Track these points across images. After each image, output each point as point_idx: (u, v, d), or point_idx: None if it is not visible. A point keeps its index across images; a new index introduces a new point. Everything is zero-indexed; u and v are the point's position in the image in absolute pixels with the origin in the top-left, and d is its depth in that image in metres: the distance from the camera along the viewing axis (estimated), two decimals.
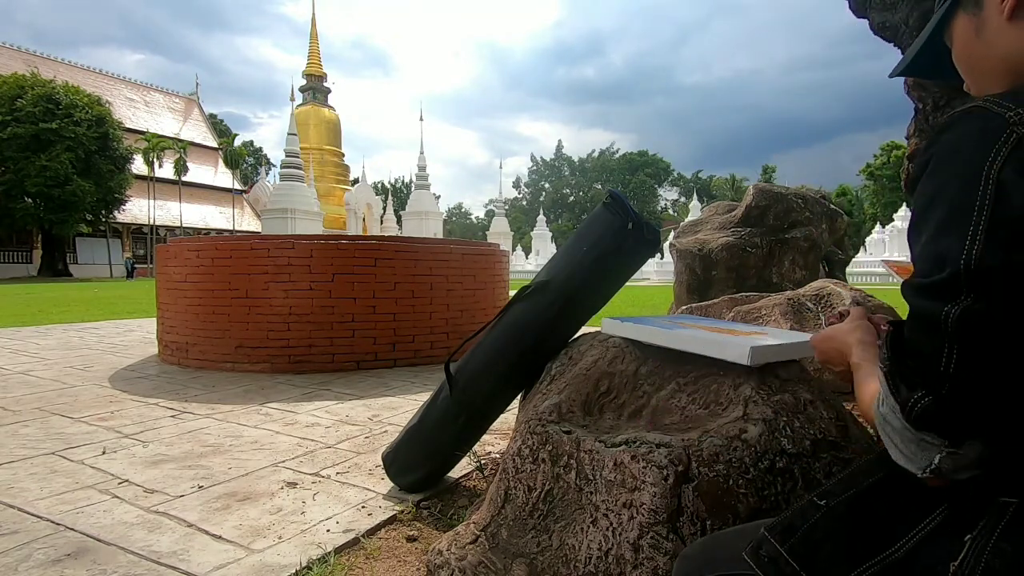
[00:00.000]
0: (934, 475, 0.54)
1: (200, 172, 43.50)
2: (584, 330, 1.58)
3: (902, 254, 29.37)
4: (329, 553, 1.46)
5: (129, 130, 36.47)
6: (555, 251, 1.82)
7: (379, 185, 54.75)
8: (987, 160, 0.49)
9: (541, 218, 42.43)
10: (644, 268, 1.58)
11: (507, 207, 49.94)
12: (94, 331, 6.41)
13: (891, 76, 0.79)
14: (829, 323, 0.84)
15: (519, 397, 1.66)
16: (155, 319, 4.92)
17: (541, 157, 76.42)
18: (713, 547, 0.75)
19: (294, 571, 1.38)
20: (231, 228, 41.07)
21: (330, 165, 41.15)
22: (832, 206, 4.64)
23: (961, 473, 0.54)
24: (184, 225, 38.39)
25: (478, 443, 1.94)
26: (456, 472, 1.97)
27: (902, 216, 31.34)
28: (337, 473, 2.03)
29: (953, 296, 0.50)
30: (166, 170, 37.86)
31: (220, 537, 1.54)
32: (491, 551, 1.25)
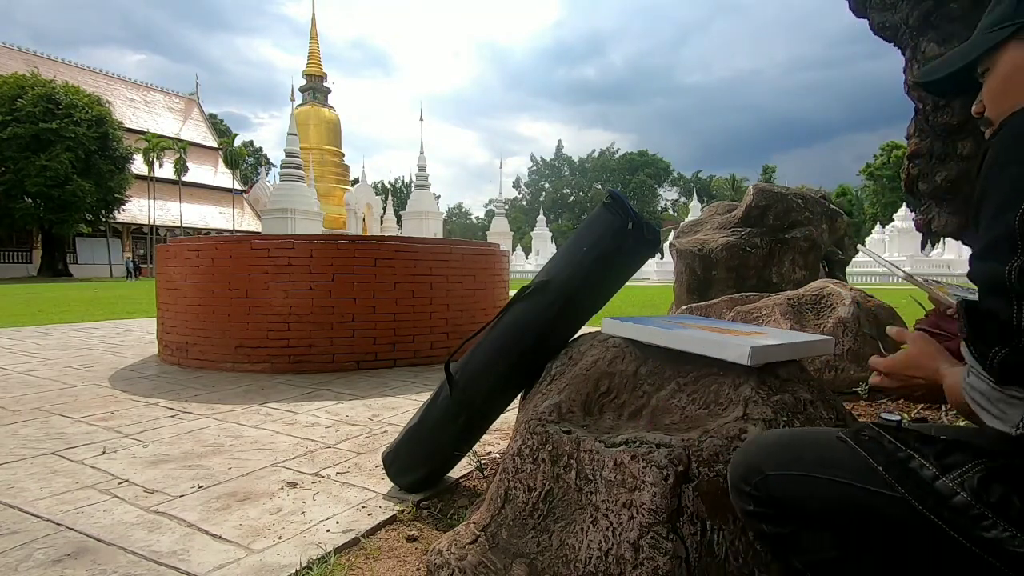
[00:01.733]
0: None
1: (200, 172, 43.49)
2: (584, 330, 1.58)
3: (902, 254, 29.36)
4: (329, 553, 1.46)
5: (129, 130, 36.45)
6: (555, 251, 1.82)
7: (379, 185, 54.75)
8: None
9: (541, 218, 42.43)
10: (644, 268, 1.58)
11: (507, 207, 49.92)
12: (94, 331, 6.41)
13: (918, 80, 0.82)
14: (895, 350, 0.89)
15: (519, 397, 1.66)
16: (155, 319, 4.92)
17: (541, 157, 76.48)
18: (767, 449, 0.77)
19: (294, 571, 1.38)
20: (231, 228, 41.06)
21: (330, 165, 41.15)
22: (832, 206, 4.64)
23: None
24: (184, 225, 38.39)
25: (478, 443, 1.94)
26: (456, 472, 1.97)
27: (902, 216, 31.33)
28: (337, 473, 2.03)
29: (1011, 254, 0.57)
30: (166, 170, 37.85)
31: (220, 537, 1.54)
32: (491, 551, 1.25)
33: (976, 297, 0.62)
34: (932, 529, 0.61)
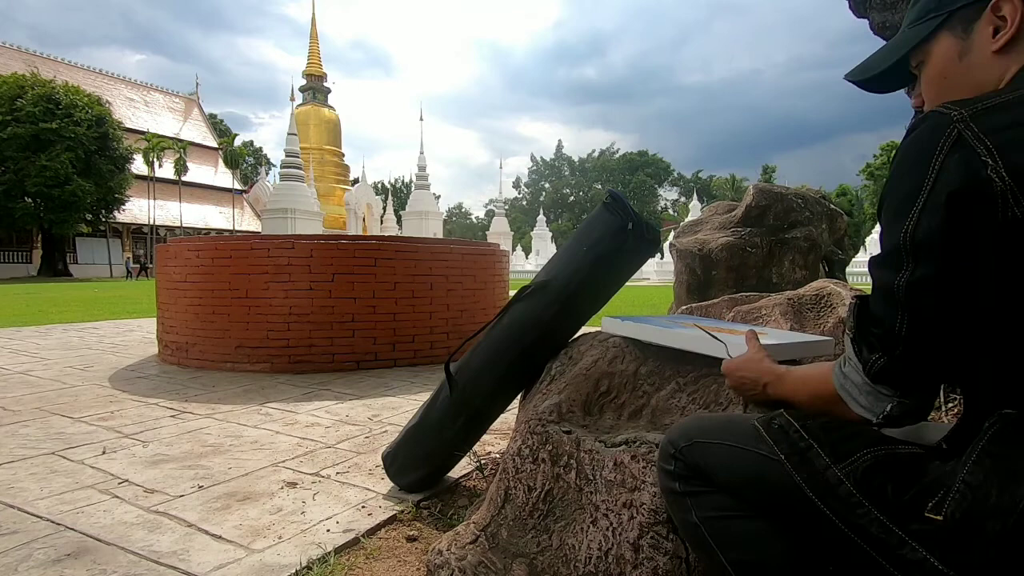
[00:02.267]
0: (886, 421, 0.66)
1: (200, 172, 43.49)
2: (584, 330, 1.58)
3: None
4: (329, 553, 1.46)
5: (129, 130, 36.44)
6: (555, 251, 1.82)
7: (379, 185, 54.74)
8: (934, 152, 0.57)
9: (541, 218, 42.43)
10: (644, 268, 1.58)
11: (507, 207, 49.88)
12: (94, 331, 6.41)
13: (849, 78, 0.81)
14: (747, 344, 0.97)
15: (519, 397, 1.66)
16: (155, 319, 4.92)
17: (541, 157, 76.50)
18: (722, 423, 0.82)
19: (294, 571, 1.38)
20: (231, 228, 41.06)
21: (330, 165, 41.15)
22: (832, 206, 4.64)
23: (906, 420, 0.66)
24: (184, 225, 38.38)
25: (478, 443, 1.94)
26: (456, 472, 1.97)
27: None
28: (337, 473, 2.03)
29: (899, 268, 0.60)
30: (166, 170, 37.84)
31: (220, 537, 1.54)
32: (491, 551, 1.25)
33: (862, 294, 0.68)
34: (818, 513, 0.66)
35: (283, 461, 2.14)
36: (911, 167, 0.59)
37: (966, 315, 0.58)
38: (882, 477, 0.64)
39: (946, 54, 0.69)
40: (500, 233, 36.44)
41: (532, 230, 43.49)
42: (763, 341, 0.98)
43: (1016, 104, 0.57)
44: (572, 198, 71.41)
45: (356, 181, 39.58)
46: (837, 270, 4.60)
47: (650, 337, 1.30)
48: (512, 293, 1.78)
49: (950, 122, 0.57)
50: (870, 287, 0.69)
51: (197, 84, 52.98)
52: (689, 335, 1.21)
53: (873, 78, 0.78)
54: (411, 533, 1.60)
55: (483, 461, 2.05)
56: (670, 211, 67.12)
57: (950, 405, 1.85)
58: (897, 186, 0.61)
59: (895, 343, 0.62)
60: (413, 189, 35.42)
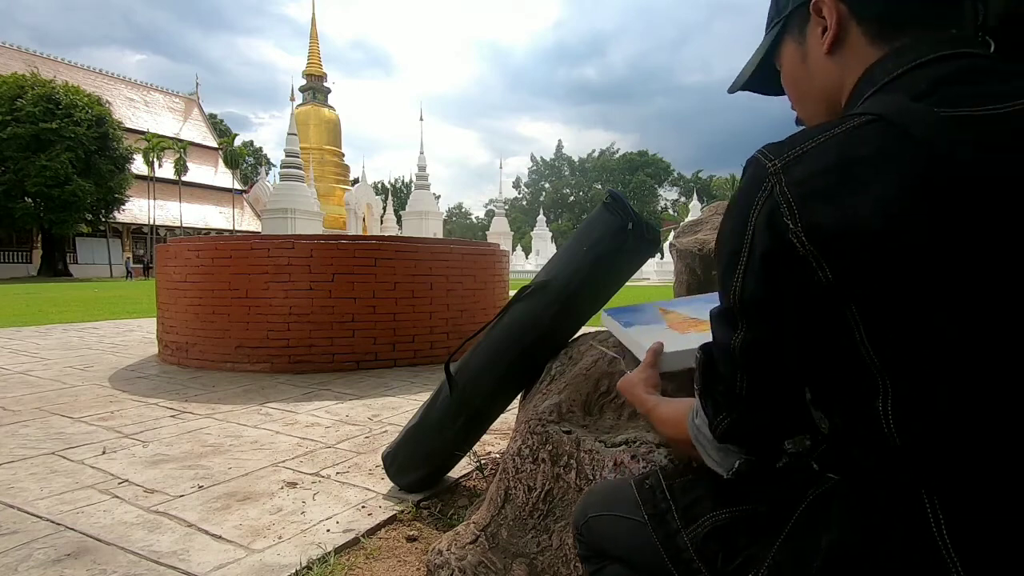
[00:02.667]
0: (736, 477, 0.64)
1: (200, 172, 43.49)
2: (584, 330, 1.58)
3: None
4: (329, 553, 1.46)
5: (129, 130, 36.44)
6: (555, 251, 1.82)
7: (379, 185, 54.72)
8: (751, 210, 0.53)
9: (541, 218, 42.42)
10: (644, 268, 1.58)
11: (507, 207, 49.88)
12: (94, 331, 6.41)
13: (729, 92, 0.79)
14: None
15: (519, 397, 1.66)
16: (155, 319, 4.92)
17: (541, 157, 76.50)
18: (612, 488, 0.82)
19: (294, 571, 1.38)
20: (231, 228, 41.06)
21: (330, 165, 41.14)
22: None
23: (753, 474, 0.64)
24: (184, 225, 38.38)
25: (478, 443, 1.94)
26: (456, 472, 1.97)
27: None
28: (337, 473, 2.03)
29: (734, 328, 0.57)
30: (166, 170, 37.83)
31: (220, 537, 1.54)
32: (491, 551, 1.25)
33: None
34: None
35: (283, 461, 2.14)
36: (734, 223, 0.55)
37: (803, 376, 0.56)
38: (716, 544, 0.64)
39: (791, 60, 0.67)
40: (500, 233, 36.43)
41: (532, 230, 43.49)
42: (668, 348, 0.93)
43: (821, 150, 0.51)
44: (572, 198, 71.43)
45: (356, 181, 39.59)
46: None
47: (636, 350, 1.24)
48: (512, 293, 1.78)
49: (765, 176, 0.52)
50: None
51: (197, 84, 53.02)
52: (674, 339, 1.15)
53: (747, 86, 0.75)
54: (411, 533, 1.60)
55: (483, 461, 2.05)
56: (670, 211, 67.13)
57: None
58: (724, 241, 0.57)
59: (737, 402, 0.59)
60: (413, 189, 35.40)
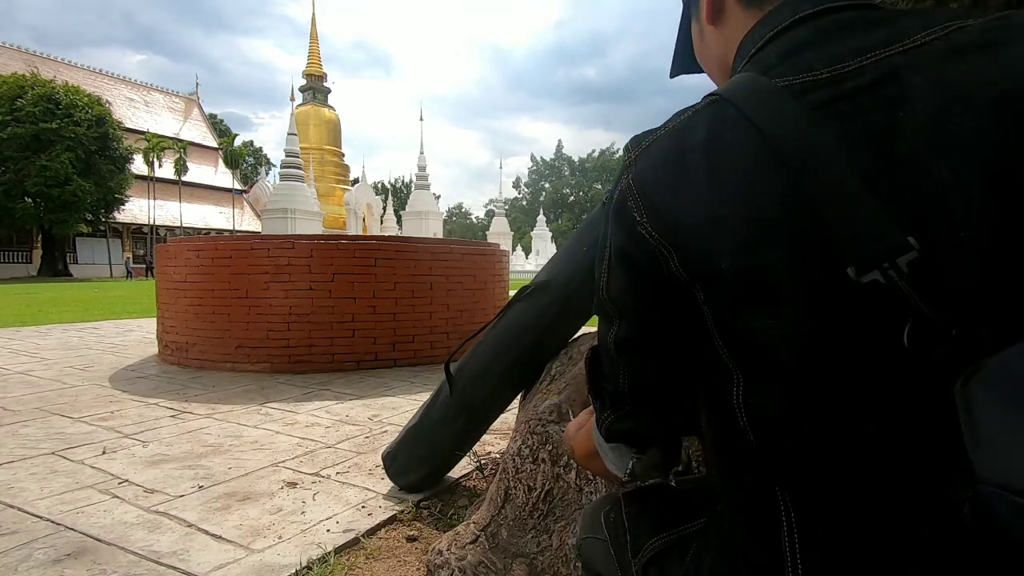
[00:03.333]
0: (632, 478, 0.63)
1: (200, 172, 43.48)
2: (584, 330, 1.58)
3: None
4: (329, 553, 1.46)
5: (129, 130, 36.43)
6: (555, 251, 1.82)
7: (379, 185, 54.71)
8: (609, 202, 0.52)
9: (541, 218, 42.40)
10: None
11: (507, 207, 49.85)
12: (94, 331, 6.41)
13: (670, 77, 0.77)
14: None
15: (519, 397, 1.66)
16: (155, 319, 4.92)
17: (541, 157, 76.49)
18: (596, 507, 0.80)
19: (294, 571, 1.38)
20: (231, 228, 41.06)
21: (330, 165, 41.12)
22: None
23: (651, 475, 0.63)
24: (184, 225, 38.37)
25: (478, 443, 1.94)
26: (456, 472, 1.97)
27: None
28: (337, 473, 2.03)
29: (609, 324, 0.55)
30: (166, 170, 37.83)
31: (220, 537, 1.54)
32: (491, 551, 1.25)
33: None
34: None
35: (283, 461, 2.14)
36: (604, 215, 0.54)
37: (684, 368, 0.54)
38: (655, 572, 0.62)
39: (695, 36, 0.65)
40: (500, 233, 36.42)
41: (532, 230, 43.48)
42: None
43: (665, 139, 0.49)
44: (572, 198, 71.45)
45: (356, 181, 39.58)
46: None
47: None
48: (512, 293, 1.78)
49: (623, 168, 0.51)
50: None
51: (197, 84, 53.05)
52: None
53: (682, 69, 0.73)
54: (411, 533, 1.60)
55: (483, 461, 2.05)
56: None
57: None
58: (604, 226, 0.55)
59: (621, 400, 0.58)
60: (413, 189, 35.39)
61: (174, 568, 1.38)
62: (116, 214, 33.99)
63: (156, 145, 35.63)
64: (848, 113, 0.43)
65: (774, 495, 0.46)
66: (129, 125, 38.69)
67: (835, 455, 0.44)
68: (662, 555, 0.62)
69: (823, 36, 0.48)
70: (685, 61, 0.71)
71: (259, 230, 34.57)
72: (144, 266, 34.11)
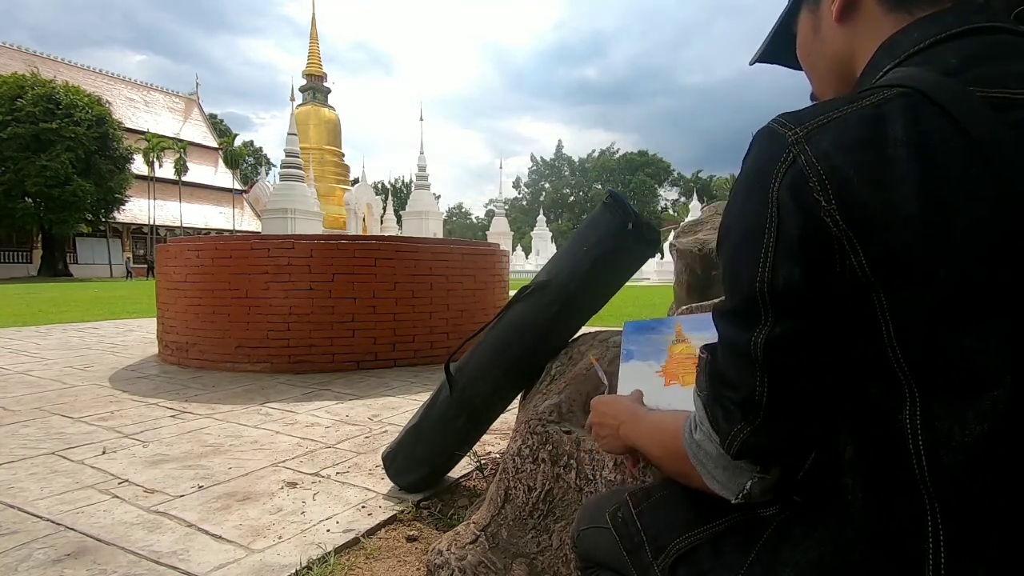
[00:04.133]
0: (745, 499, 0.55)
1: (200, 172, 43.49)
2: (584, 330, 1.58)
3: None
4: (329, 553, 1.46)
5: (129, 130, 36.44)
6: (555, 251, 1.82)
7: (379, 185, 54.70)
8: (771, 182, 0.47)
9: (541, 218, 42.44)
10: (644, 268, 1.57)
11: (507, 207, 49.87)
12: (94, 331, 6.41)
13: (750, 64, 0.75)
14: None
15: (519, 397, 1.66)
16: (155, 319, 4.92)
17: (541, 157, 76.54)
18: (599, 501, 0.79)
19: (294, 571, 1.38)
20: (231, 228, 41.07)
21: (330, 165, 41.15)
22: None
23: (767, 495, 0.55)
24: (184, 225, 38.38)
25: (478, 443, 1.94)
26: (456, 472, 1.97)
27: None
28: (337, 473, 2.03)
29: (755, 323, 0.49)
30: (166, 170, 37.84)
31: (220, 537, 1.54)
32: (491, 551, 1.25)
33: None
34: None
35: (283, 461, 2.14)
36: (749, 201, 0.49)
37: (832, 376, 0.50)
38: (684, 571, 0.60)
39: (804, 29, 0.63)
40: (500, 233, 36.44)
41: (532, 230, 43.51)
42: (646, 401, 0.84)
43: (850, 121, 0.46)
44: (572, 198, 71.46)
45: (356, 181, 39.57)
46: None
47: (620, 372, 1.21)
48: (512, 293, 1.78)
49: (785, 145, 0.47)
50: None
51: (197, 84, 53.05)
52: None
53: (767, 57, 0.71)
54: (411, 533, 1.60)
55: (483, 461, 2.05)
56: (670, 211, 67.13)
57: None
58: (739, 221, 0.51)
59: (756, 411, 0.51)
60: (413, 189, 35.41)
61: (174, 568, 1.38)
62: (116, 214, 34.01)
63: (156, 145, 35.64)
64: None
65: (922, 508, 0.44)
66: (129, 125, 38.69)
67: (1016, 485, 0.42)
68: (691, 553, 0.60)
69: (1001, 54, 0.47)
70: (776, 53, 0.69)
71: (259, 230, 34.57)
72: (144, 266, 34.13)
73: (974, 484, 0.43)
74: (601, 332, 1.53)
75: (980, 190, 0.42)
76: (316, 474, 2.01)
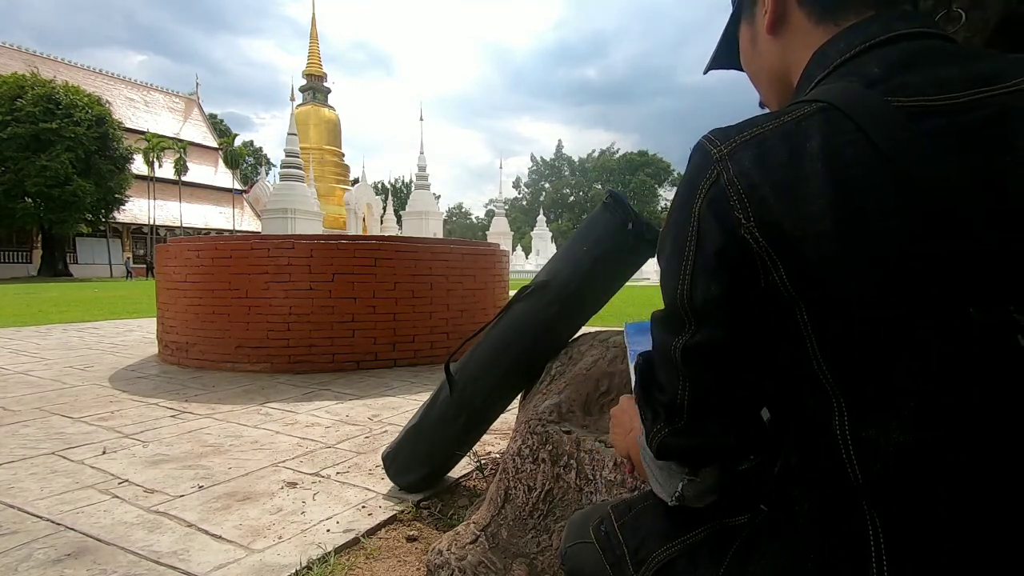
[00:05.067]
0: (680, 502, 0.56)
1: (200, 172, 43.50)
2: (584, 330, 1.58)
3: None
4: (329, 553, 1.46)
5: (129, 130, 36.43)
6: (555, 251, 1.82)
7: (379, 185, 54.70)
8: (696, 198, 0.49)
9: (541, 218, 42.42)
10: (644, 268, 1.57)
11: (507, 207, 49.86)
12: (94, 331, 6.41)
13: (704, 73, 0.77)
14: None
15: (519, 397, 1.66)
16: (155, 319, 4.92)
17: (541, 157, 76.53)
18: (584, 516, 0.79)
19: (294, 571, 1.38)
20: (231, 228, 41.07)
21: (330, 165, 41.14)
22: None
23: (703, 499, 0.56)
24: (184, 225, 38.39)
25: (478, 443, 1.94)
26: (456, 472, 1.97)
27: None
28: (337, 473, 2.03)
29: (679, 330, 0.51)
30: (166, 170, 37.85)
31: (220, 537, 1.54)
32: (491, 551, 1.25)
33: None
34: None
35: (283, 461, 2.14)
36: (677, 214, 0.51)
37: (754, 384, 0.51)
38: None
39: (744, 40, 0.64)
40: (500, 233, 36.42)
41: (532, 230, 43.50)
42: None
43: (770, 139, 0.47)
44: (572, 198, 71.46)
45: (356, 181, 39.58)
46: None
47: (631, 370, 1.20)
48: (512, 293, 1.78)
49: (711, 162, 0.48)
50: None
51: (197, 84, 53.04)
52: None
53: (718, 65, 0.72)
54: (411, 533, 1.60)
55: (483, 461, 2.05)
56: None
57: None
58: (668, 233, 0.52)
59: (678, 414, 0.53)
60: (413, 189, 35.38)
61: (174, 568, 1.38)
62: (116, 214, 34.01)
63: (156, 145, 35.64)
64: (967, 148, 0.43)
65: (862, 515, 0.45)
66: (129, 125, 38.69)
67: (948, 487, 0.43)
68: (668, 566, 0.61)
69: (923, 60, 0.48)
70: (724, 59, 0.71)
71: (259, 230, 34.56)
72: (144, 266, 34.15)
73: (906, 492, 0.44)
74: (601, 332, 1.53)
75: (888, 203, 0.42)
76: (316, 474, 2.01)
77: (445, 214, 44.89)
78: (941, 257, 0.42)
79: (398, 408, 2.98)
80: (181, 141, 40.34)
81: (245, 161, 51.03)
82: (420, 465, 1.82)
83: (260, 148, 64.59)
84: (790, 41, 0.58)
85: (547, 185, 74.65)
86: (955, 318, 0.42)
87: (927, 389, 0.43)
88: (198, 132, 48.24)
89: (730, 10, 0.67)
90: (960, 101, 0.44)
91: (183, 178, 38.34)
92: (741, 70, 0.70)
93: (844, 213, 0.43)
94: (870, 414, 0.44)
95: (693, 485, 0.56)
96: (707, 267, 0.48)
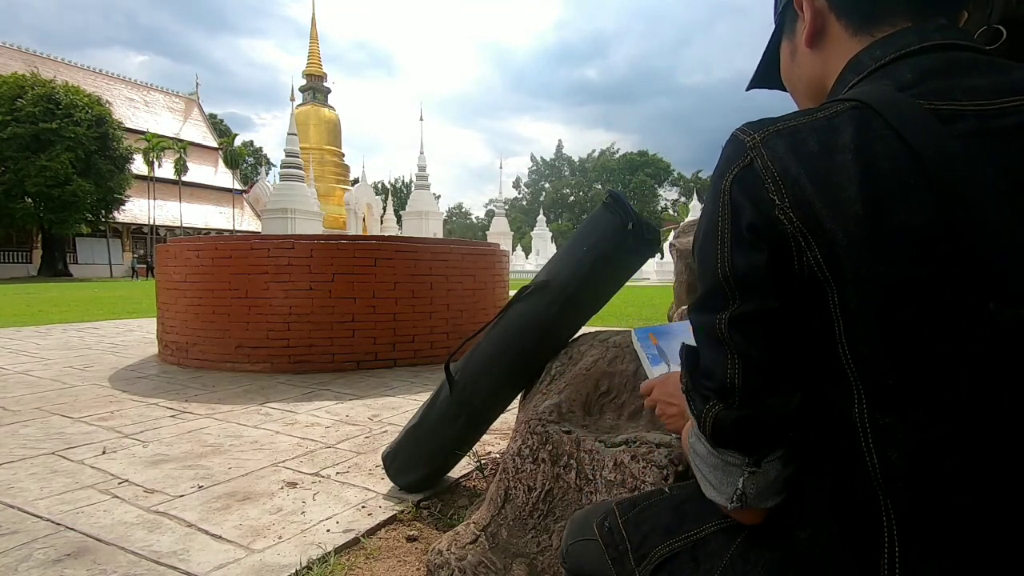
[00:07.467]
0: (741, 503, 0.53)
1: (200, 172, 43.51)
2: (584, 330, 1.58)
3: None
4: (329, 553, 1.46)
5: (129, 130, 36.43)
6: (555, 251, 1.82)
7: (379, 185, 54.71)
8: (725, 181, 0.52)
9: (541, 218, 42.42)
10: (644, 268, 1.57)
11: (507, 207, 49.86)
12: (94, 331, 6.41)
13: (747, 90, 0.79)
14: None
15: (519, 397, 1.66)
16: (155, 319, 4.92)
17: (541, 157, 76.58)
18: (586, 514, 0.80)
19: (294, 571, 1.38)
20: (231, 228, 41.08)
21: (330, 165, 41.15)
22: None
23: (768, 498, 0.53)
24: (184, 225, 38.39)
25: (478, 443, 1.94)
26: (456, 472, 1.97)
27: None
28: (337, 473, 2.03)
29: (723, 305, 0.52)
30: (166, 170, 37.86)
31: (220, 537, 1.54)
32: (491, 551, 1.25)
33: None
34: None
35: (283, 461, 2.14)
36: (711, 198, 0.53)
37: (798, 359, 0.50)
38: None
39: (784, 56, 0.68)
40: (500, 233, 36.42)
41: (532, 230, 43.50)
42: None
43: (802, 130, 0.49)
44: (572, 198, 71.48)
45: (356, 181, 39.57)
46: None
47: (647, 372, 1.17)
48: (512, 293, 1.78)
49: (744, 149, 0.51)
50: None
51: (197, 84, 53.06)
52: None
53: (761, 83, 0.75)
54: (411, 533, 1.60)
55: (483, 461, 2.05)
56: (670, 211, 67.08)
57: None
58: (703, 219, 0.55)
59: (731, 395, 0.51)
60: (413, 189, 35.37)
61: (174, 568, 1.38)
62: (116, 214, 34.01)
63: (156, 145, 35.65)
64: (998, 151, 0.45)
65: (877, 504, 0.46)
66: (129, 125, 38.70)
67: (963, 479, 0.44)
68: (670, 561, 0.62)
69: (956, 69, 0.50)
70: (766, 77, 0.74)
71: (259, 230, 34.56)
72: (144, 266, 34.18)
73: (921, 482, 0.45)
74: (601, 332, 1.53)
75: (916, 195, 0.44)
76: (316, 474, 2.01)
77: (445, 214, 44.88)
78: (964, 252, 0.43)
79: (398, 408, 2.98)
80: (181, 141, 40.34)
81: (245, 161, 51.02)
82: (420, 465, 1.82)
83: (260, 148, 64.61)
84: (828, 53, 0.61)
85: (547, 185, 74.67)
86: (975, 312, 0.43)
87: (944, 380, 0.44)
88: (198, 132, 48.25)
89: (771, 29, 0.70)
90: (992, 107, 0.46)
91: (183, 178, 38.35)
92: (783, 89, 0.72)
93: (873, 202, 0.45)
94: (889, 403, 0.45)
95: (755, 479, 0.52)
96: (742, 241, 0.50)
